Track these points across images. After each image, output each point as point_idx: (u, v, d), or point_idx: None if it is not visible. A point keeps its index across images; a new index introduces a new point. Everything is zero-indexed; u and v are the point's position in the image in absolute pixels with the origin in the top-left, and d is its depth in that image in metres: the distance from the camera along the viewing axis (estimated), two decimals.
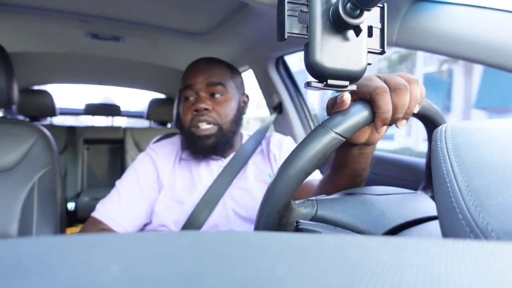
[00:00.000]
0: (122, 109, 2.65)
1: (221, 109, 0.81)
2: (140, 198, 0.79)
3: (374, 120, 0.38)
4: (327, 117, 0.38)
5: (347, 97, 0.37)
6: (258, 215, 0.36)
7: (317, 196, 0.41)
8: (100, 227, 0.74)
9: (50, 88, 2.27)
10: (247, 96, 0.92)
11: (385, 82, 0.38)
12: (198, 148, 0.81)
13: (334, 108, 0.38)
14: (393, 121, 0.39)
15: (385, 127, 0.38)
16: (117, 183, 0.82)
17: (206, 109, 0.79)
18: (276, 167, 0.89)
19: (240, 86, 0.89)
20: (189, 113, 0.81)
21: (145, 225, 0.81)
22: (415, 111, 0.40)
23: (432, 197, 0.48)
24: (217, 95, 0.81)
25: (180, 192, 0.81)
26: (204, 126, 0.79)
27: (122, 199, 0.77)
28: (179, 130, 1.36)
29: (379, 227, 0.37)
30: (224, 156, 0.88)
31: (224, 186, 0.81)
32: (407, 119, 0.40)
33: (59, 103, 2.28)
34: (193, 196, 0.80)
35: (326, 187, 0.56)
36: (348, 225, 0.37)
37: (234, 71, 0.88)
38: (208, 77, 0.81)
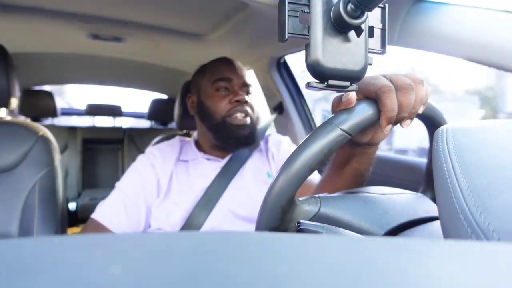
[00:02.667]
0: (123, 110, 2.65)
1: (253, 106, 0.86)
2: (140, 202, 0.78)
3: (379, 118, 0.38)
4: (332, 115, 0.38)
5: (352, 95, 0.37)
6: (261, 209, 0.36)
7: (321, 194, 0.42)
8: (100, 230, 0.74)
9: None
10: None
11: (391, 81, 0.39)
12: (234, 137, 0.82)
13: (339, 106, 0.39)
14: (398, 120, 0.39)
15: (390, 125, 0.39)
16: (117, 185, 0.81)
17: (246, 102, 0.83)
18: (274, 166, 0.89)
19: None
20: (224, 102, 0.83)
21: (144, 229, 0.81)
22: (420, 111, 0.40)
23: (432, 200, 0.48)
24: (248, 94, 0.87)
25: (178, 194, 0.80)
26: (241, 116, 0.83)
27: (122, 202, 0.77)
28: (180, 131, 1.36)
29: (382, 225, 0.37)
30: (222, 156, 0.88)
31: (222, 187, 0.81)
32: (411, 119, 0.40)
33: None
34: (191, 198, 0.79)
35: (326, 187, 0.56)
36: (351, 223, 0.37)
37: None
38: (244, 76, 0.87)
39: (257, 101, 0.89)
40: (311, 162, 0.34)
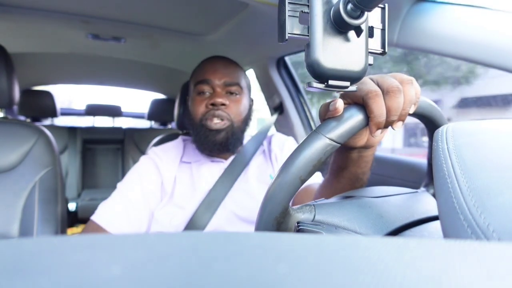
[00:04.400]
0: (123, 110, 2.66)
1: (235, 107, 0.82)
2: (143, 205, 0.77)
3: (368, 124, 0.37)
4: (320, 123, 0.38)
5: (339, 104, 0.36)
6: (256, 221, 0.36)
7: (315, 201, 0.41)
8: (100, 232, 0.73)
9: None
10: (252, 100, 0.93)
11: (378, 84, 0.38)
12: (208, 142, 0.80)
13: (327, 114, 0.38)
14: (388, 124, 0.38)
15: (379, 130, 0.38)
16: (119, 186, 0.80)
17: (223, 104, 0.80)
18: (277, 167, 0.88)
19: (249, 89, 0.91)
20: (202, 106, 0.81)
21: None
22: (411, 111, 0.39)
23: (434, 195, 0.48)
24: (233, 94, 0.83)
25: (181, 196, 0.79)
26: (217, 120, 0.80)
27: (123, 205, 0.76)
28: (180, 131, 1.37)
29: (377, 230, 0.37)
30: (225, 157, 0.88)
31: (226, 189, 0.80)
32: (403, 121, 0.39)
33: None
34: (194, 199, 0.79)
35: (325, 191, 0.56)
36: (346, 229, 0.37)
37: (245, 73, 0.90)
38: (227, 76, 0.83)
39: (244, 102, 0.85)
40: (301, 173, 0.34)
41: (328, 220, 0.38)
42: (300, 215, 0.38)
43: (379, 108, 0.36)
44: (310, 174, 0.35)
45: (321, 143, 0.35)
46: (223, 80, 0.82)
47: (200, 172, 0.84)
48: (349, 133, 0.36)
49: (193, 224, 0.76)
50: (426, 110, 0.42)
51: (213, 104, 0.79)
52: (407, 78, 0.39)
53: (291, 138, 0.96)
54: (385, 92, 0.37)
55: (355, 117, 0.37)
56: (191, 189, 0.81)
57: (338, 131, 0.35)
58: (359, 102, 0.38)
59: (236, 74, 0.85)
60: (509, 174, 0.23)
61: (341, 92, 0.36)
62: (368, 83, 0.37)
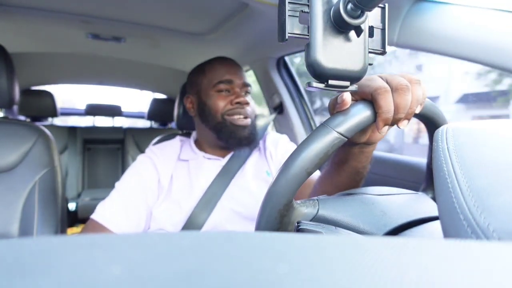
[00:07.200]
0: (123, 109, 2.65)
1: (252, 106, 0.88)
2: (141, 202, 0.78)
3: (375, 120, 0.38)
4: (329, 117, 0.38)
5: (347, 96, 0.37)
6: (259, 214, 0.36)
7: (319, 196, 0.41)
8: (100, 230, 0.73)
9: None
10: None
11: (387, 82, 0.38)
12: (235, 137, 0.83)
13: (335, 108, 0.38)
14: (395, 121, 0.39)
15: (386, 127, 0.39)
16: (117, 184, 0.81)
17: (247, 103, 0.84)
18: (272, 164, 0.90)
19: None
20: (225, 102, 0.84)
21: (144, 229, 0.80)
22: (417, 111, 0.40)
23: (433, 199, 0.48)
24: (246, 94, 0.88)
25: (178, 194, 0.80)
26: (243, 117, 0.84)
27: (122, 203, 0.76)
28: (180, 130, 1.37)
29: (380, 227, 0.37)
30: (222, 155, 0.89)
31: (223, 186, 0.81)
32: (408, 119, 0.40)
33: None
34: (192, 197, 0.79)
35: (325, 184, 0.57)
36: (349, 225, 0.37)
37: None
38: (244, 77, 0.88)
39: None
40: (308, 166, 0.34)
41: (332, 215, 0.38)
42: (304, 209, 0.38)
43: (387, 104, 0.37)
44: (316, 167, 0.35)
45: (329, 137, 0.35)
46: (242, 81, 0.87)
47: (197, 170, 0.85)
48: (357, 127, 0.37)
49: (191, 222, 0.76)
50: (428, 111, 0.42)
51: (238, 103, 0.83)
52: (415, 79, 0.40)
53: (284, 136, 0.99)
54: (394, 89, 0.38)
55: (364, 112, 0.37)
56: (189, 187, 0.82)
57: (346, 125, 0.36)
58: (367, 98, 0.39)
59: (245, 75, 0.90)
60: (509, 174, 0.23)
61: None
62: (377, 80, 0.38)
